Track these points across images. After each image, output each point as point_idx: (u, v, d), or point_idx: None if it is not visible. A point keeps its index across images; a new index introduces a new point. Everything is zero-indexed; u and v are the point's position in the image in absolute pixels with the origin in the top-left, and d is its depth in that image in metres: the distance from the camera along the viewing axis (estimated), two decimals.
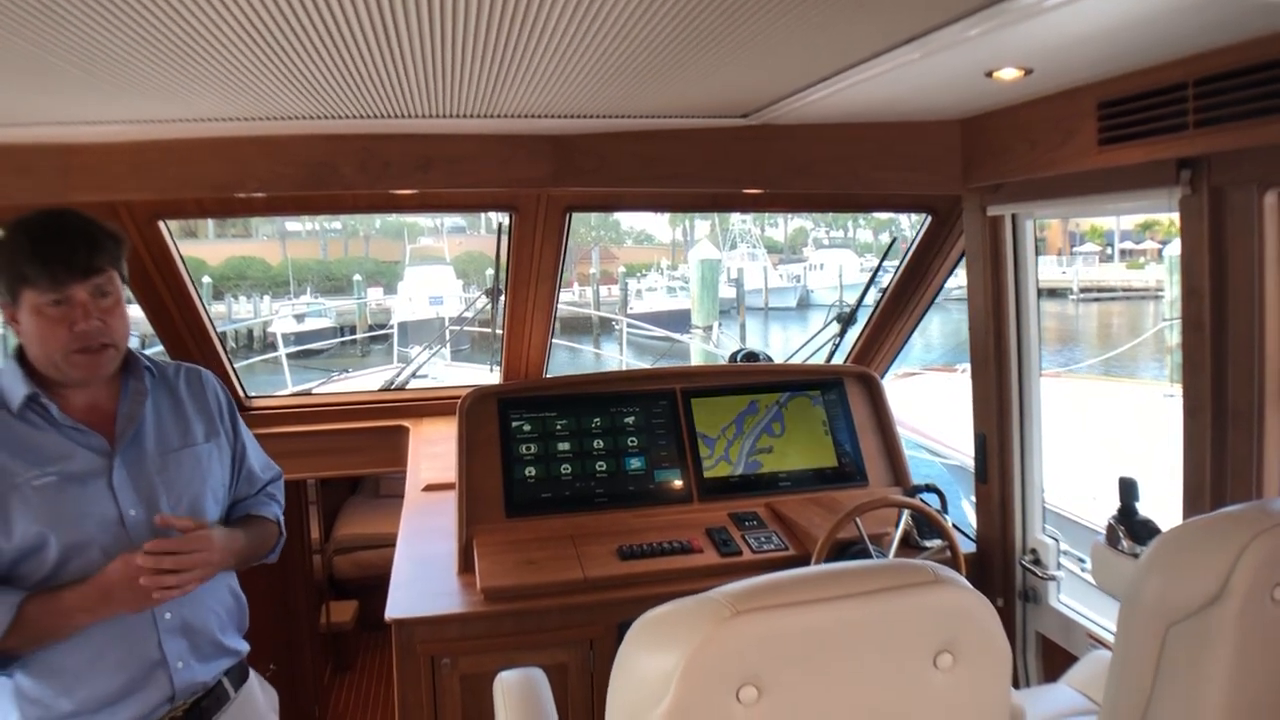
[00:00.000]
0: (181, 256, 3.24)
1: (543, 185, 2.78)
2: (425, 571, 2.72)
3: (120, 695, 1.77)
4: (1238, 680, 1.40)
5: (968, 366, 2.97)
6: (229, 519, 2.05)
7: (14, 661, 1.72)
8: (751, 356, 3.75)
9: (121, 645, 1.77)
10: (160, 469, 1.86)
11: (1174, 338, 14.85)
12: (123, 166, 2.58)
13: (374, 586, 2.67)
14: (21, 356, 1.79)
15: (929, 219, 3.34)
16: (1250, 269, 1.96)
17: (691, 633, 1.12)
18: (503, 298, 3.60)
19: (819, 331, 3.96)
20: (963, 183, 2.69)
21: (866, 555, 2.63)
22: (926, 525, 2.79)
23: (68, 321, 1.71)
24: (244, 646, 2.04)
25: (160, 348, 3.55)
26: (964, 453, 6.94)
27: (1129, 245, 42.44)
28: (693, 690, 1.11)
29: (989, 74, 2.00)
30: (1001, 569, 2.91)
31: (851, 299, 3.98)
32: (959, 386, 8.17)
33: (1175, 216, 2.11)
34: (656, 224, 54.67)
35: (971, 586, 1.24)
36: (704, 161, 2.70)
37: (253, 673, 2.09)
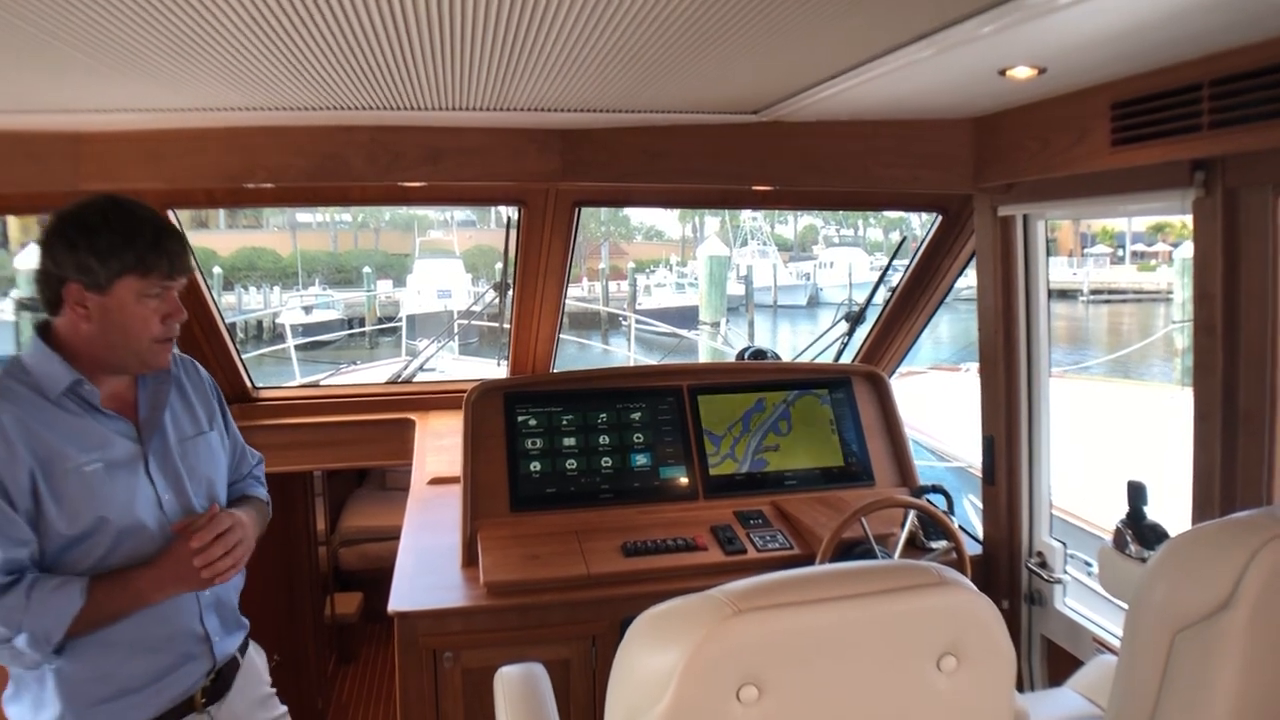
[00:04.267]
0: (191, 248, 3.24)
1: (552, 179, 2.77)
2: (429, 565, 2.72)
3: (169, 670, 1.84)
4: (1246, 688, 1.39)
5: (972, 366, 2.96)
6: (232, 498, 2.14)
7: (65, 648, 1.73)
8: (759, 354, 3.74)
9: (169, 624, 1.84)
10: (182, 455, 1.91)
11: (1183, 341, 14.79)
12: (132, 155, 2.58)
13: (379, 579, 2.68)
14: (51, 343, 1.78)
15: (939, 218, 3.32)
16: (1264, 272, 1.94)
17: (693, 631, 1.11)
18: (511, 292, 3.60)
19: (827, 330, 3.95)
20: (974, 182, 2.67)
21: (872, 555, 2.62)
22: (932, 526, 2.77)
23: (161, 312, 1.78)
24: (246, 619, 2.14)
25: None
26: (965, 454, 6.92)
27: (1140, 247, 42.24)
28: (693, 688, 1.10)
29: (1002, 72, 1.98)
30: (1008, 571, 2.89)
31: (860, 297, 3.97)
32: (962, 386, 8.13)
33: (1188, 219, 2.09)
34: (666, 220, 54.66)
35: (976, 589, 1.23)
36: (714, 157, 2.69)
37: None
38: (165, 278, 1.78)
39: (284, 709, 2.18)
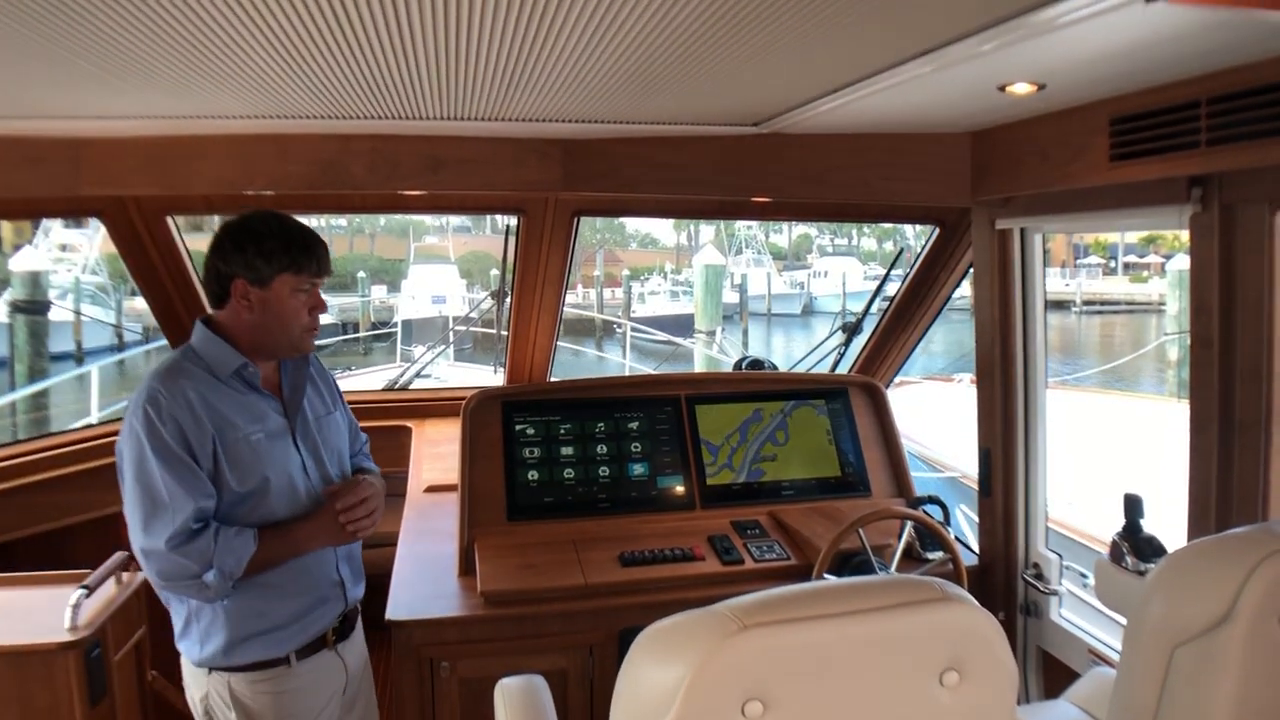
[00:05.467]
0: (189, 251, 3.25)
1: (552, 189, 2.77)
2: (426, 573, 2.71)
3: (310, 610, 2.16)
4: (1243, 703, 1.40)
5: (965, 376, 2.97)
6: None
7: (236, 586, 2.03)
8: (756, 364, 3.75)
9: (313, 571, 2.16)
10: (318, 430, 2.25)
11: (1176, 352, 14.83)
12: (133, 161, 2.58)
13: (372, 585, 2.68)
14: (215, 332, 2.10)
15: (936, 230, 3.33)
16: (1260, 287, 1.95)
17: (698, 646, 1.11)
18: (508, 299, 3.60)
19: (824, 340, 3.96)
20: (972, 195, 2.69)
21: (869, 566, 2.62)
22: (929, 538, 2.78)
23: (309, 305, 2.13)
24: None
25: (164, 341, 3.55)
26: (958, 464, 6.92)
27: (1132, 258, 42.45)
28: (698, 703, 1.10)
29: (1001, 88, 2.00)
30: (1003, 583, 2.90)
31: (854, 306, 3.98)
32: (956, 397, 8.14)
33: (1181, 231, 2.11)
34: (661, 227, 54.74)
35: (978, 604, 1.23)
36: (714, 168, 2.70)
37: None
38: (314, 275, 2.11)
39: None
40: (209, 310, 2.19)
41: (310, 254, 2.09)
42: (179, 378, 2.02)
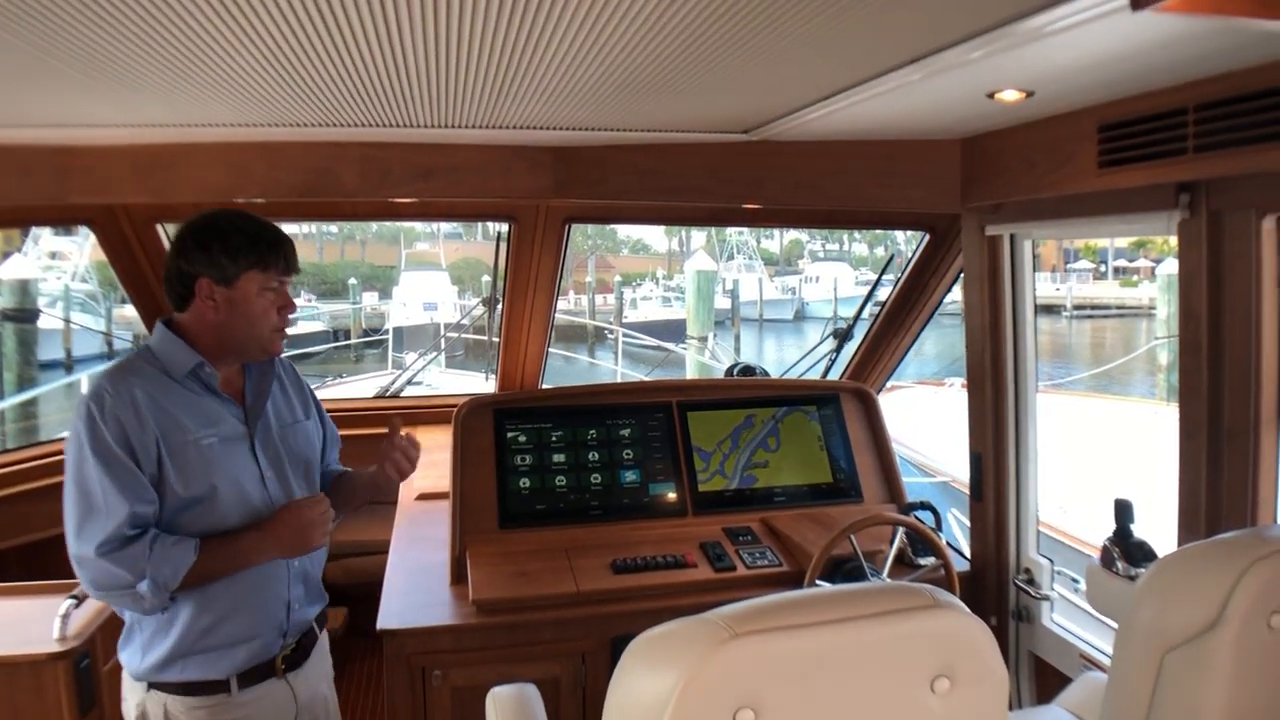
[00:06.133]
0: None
1: (543, 196, 2.77)
2: (417, 581, 2.70)
3: (256, 630, 2.03)
4: (1235, 706, 1.40)
5: (956, 381, 2.98)
6: (326, 479, 2.34)
7: (176, 599, 1.94)
8: (748, 371, 3.75)
9: (260, 589, 2.04)
10: (282, 439, 2.14)
11: (1166, 356, 14.91)
12: (122, 169, 2.57)
13: (364, 594, 2.67)
14: (175, 333, 2.01)
15: (927, 237, 3.35)
16: (1247, 293, 1.97)
17: (690, 654, 1.11)
18: (500, 306, 3.60)
19: (816, 346, 3.96)
20: (962, 201, 2.70)
21: (861, 573, 2.62)
22: (921, 543, 2.78)
23: (277, 305, 2.04)
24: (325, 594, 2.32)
25: None
26: (949, 468, 6.93)
27: (1122, 263, 42.71)
28: (690, 711, 1.10)
29: (990, 95, 2.01)
30: (995, 588, 2.90)
31: (845, 312, 3.98)
32: (947, 401, 8.16)
33: (1170, 236, 2.12)
34: (653, 234, 54.86)
35: (969, 611, 1.23)
36: (705, 176, 2.70)
37: None
38: (282, 273, 2.02)
39: (334, 694, 2.38)
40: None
41: (277, 251, 2.00)
42: (128, 376, 1.93)
